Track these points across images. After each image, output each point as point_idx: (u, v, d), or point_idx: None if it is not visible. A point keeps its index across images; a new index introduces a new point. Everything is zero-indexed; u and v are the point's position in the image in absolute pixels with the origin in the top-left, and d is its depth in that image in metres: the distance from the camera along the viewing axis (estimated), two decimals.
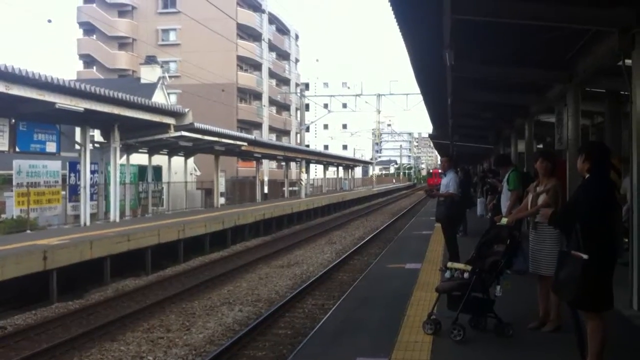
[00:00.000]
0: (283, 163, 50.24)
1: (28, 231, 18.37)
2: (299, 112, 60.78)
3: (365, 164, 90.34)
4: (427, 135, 77.05)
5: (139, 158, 28.17)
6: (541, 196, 6.80)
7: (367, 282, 10.95)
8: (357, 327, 7.50)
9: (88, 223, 20.30)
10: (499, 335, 6.65)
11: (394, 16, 9.44)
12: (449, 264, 7.09)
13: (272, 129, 68.96)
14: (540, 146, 23.68)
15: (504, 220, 6.93)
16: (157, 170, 29.52)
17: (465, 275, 6.64)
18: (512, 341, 6.56)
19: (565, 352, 5.98)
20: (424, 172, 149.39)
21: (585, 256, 4.84)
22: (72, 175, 22.03)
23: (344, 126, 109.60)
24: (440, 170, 52.95)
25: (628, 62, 7.90)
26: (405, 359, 6.06)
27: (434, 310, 6.94)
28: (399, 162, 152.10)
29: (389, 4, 8.70)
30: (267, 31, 67.51)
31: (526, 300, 7.70)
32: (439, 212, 11.38)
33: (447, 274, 6.95)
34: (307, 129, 76.97)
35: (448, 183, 11.05)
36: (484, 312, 6.77)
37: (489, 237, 7.01)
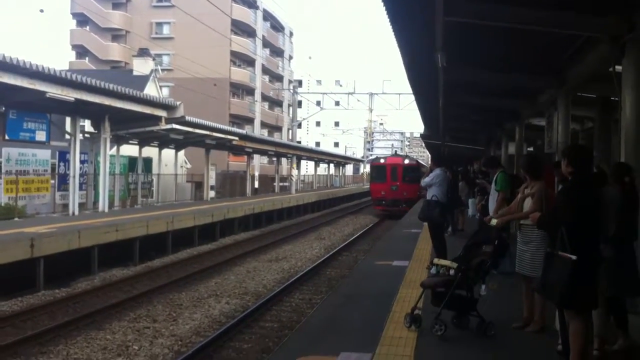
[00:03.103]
0: (274, 158, 50.25)
1: (16, 219, 18.31)
2: (291, 108, 60.76)
3: (357, 161, 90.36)
4: (418, 135, 76.34)
5: (130, 149, 28.11)
6: (527, 200, 6.89)
7: (355, 278, 11.01)
8: (343, 322, 7.55)
9: (76, 212, 20.25)
10: (481, 335, 6.72)
11: (387, 17, 9.49)
12: (435, 260, 7.16)
13: (264, 125, 68.91)
14: (531, 149, 23.82)
15: (494, 222, 7.00)
16: (148, 162, 29.46)
17: (451, 272, 6.71)
18: (496, 341, 6.63)
19: (548, 353, 6.05)
20: None
21: (573, 257, 4.91)
22: (62, 164, 22.01)
23: (336, 124, 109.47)
24: (407, 162, 36.87)
25: (618, 68, 7.98)
26: (389, 354, 6.11)
27: (417, 305, 7.00)
28: None
29: (383, 5, 8.75)
30: (262, 28, 67.39)
31: (512, 300, 7.78)
32: (421, 212, 11.47)
33: (433, 270, 7.02)
34: (299, 126, 76.96)
35: (430, 180, 11.09)
36: (467, 311, 6.84)
37: (477, 238, 7.09)
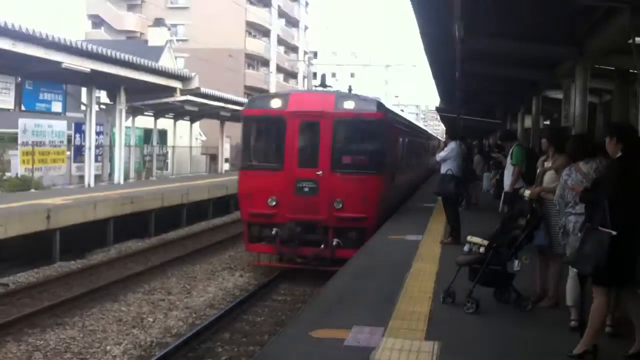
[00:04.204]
0: None
1: (32, 190, 18.41)
2: (306, 80, 60.37)
3: None
4: (434, 108, 75.29)
5: (145, 121, 28.11)
6: (547, 173, 6.77)
7: (368, 252, 10.98)
8: (355, 296, 7.53)
9: (92, 184, 20.34)
10: (517, 308, 6.72)
11: None
12: (468, 238, 7.12)
13: None
14: (547, 122, 23.55)
15: (527, 193, 6.84)
16: (163, 133, 29.47)
17: (481, 250, 6.72)
18: (508, 315, 6.60)
19: (561, 328, 6.01)
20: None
21: (614, 232, 4.84)
22: (77, 136, 22.01)
23: None
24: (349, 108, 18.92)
25: (638, 40, 7.82)
26: (401, 329, 6.10)
27: (453, 282, 6.98)
28: None
29: None
30: None
31: (525, 275, 7.70)
32: (436, 186, 11.40)
33: (466, 248, 7.04)
34: None
35: (446, 155, 11.03)
36: (505, 285, 6.84)
37: (513, 211, 7.03)
